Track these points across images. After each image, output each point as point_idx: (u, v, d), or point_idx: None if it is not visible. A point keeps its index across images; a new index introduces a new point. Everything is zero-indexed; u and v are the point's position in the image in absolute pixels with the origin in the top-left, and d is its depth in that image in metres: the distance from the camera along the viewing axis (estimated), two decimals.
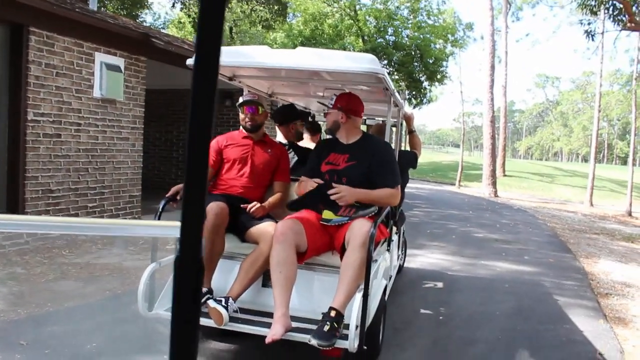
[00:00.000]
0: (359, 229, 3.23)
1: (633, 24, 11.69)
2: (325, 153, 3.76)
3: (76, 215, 7.13)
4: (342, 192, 3.42)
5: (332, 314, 3.05)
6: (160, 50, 8.27)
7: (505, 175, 30.12)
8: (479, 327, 4.82)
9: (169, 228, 0.88)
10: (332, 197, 3.41)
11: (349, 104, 3.70)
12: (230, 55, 3.69)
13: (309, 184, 3.57)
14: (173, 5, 18.29)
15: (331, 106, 3.71)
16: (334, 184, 3.47)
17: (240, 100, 3.95)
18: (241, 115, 3.94)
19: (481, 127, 29.48)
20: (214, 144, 3.96)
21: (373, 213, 3.56)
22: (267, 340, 2.99)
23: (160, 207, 3.52)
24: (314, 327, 3.05)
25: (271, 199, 3.84)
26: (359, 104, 3.77)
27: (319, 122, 6.04)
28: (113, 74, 7.56)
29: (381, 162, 3.63)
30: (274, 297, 3.18)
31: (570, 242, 10.40)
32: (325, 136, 4.23)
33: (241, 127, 4.00)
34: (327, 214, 3.49)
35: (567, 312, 5.49)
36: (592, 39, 12.38)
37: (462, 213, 14.25)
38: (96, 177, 7.50)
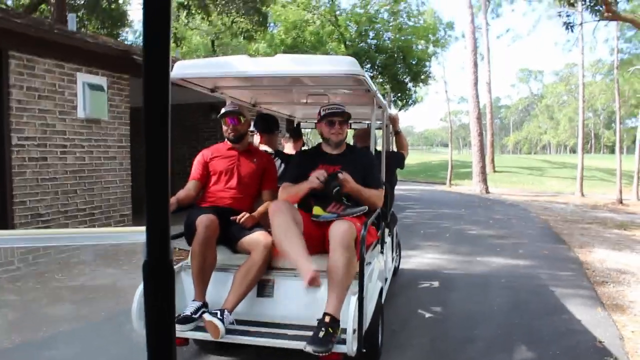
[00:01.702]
0: (337, 229, 3.22)
1: (610, 14, 11.79)
2: (312, 163, 3.71)
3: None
4: (347, 178, 3.46)
5: (327, 319, 3.02)
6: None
7: (495, 172, 30.26)
8: (477, 325, 4.80)
9: (135, 234, 0.86)
10: (339, 175, 3.42)
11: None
12: (210, 67, 3.68)
13: (317, 175, 3.50)
14: None
15: (346, 118, 3.78)
16: (340, 173, 3.47)
17: (222, 111, 3.94)
18: (224, 127, 3.93)
19: (468, 125, 29.59)
20: (199, 157, 3.95)
21: (362, 212, 3.56)
22: (307, 281, 2.97)
23: None
24: (311, 333, 3.03)
25: (260, 208, 3.82)
26: None
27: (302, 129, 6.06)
28: (96, 94, 7.52)
29: (369, 169, 3.79)
30: (295, 260, 3.16)
31: (564, 233, 10.43)
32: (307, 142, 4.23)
33: (226, 139, 3.99)
34: (317, 210, 3.52)
35: (564, 303, 5.49)
36: (572, 31, 12.47)
37: (455, 211, 14.27)
38: (85, 199, 7.45)
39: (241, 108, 4.01)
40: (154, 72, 0.70)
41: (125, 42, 18.67)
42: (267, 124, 4.72)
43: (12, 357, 3.93)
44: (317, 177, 3.46)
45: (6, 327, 4.56)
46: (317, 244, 3.51)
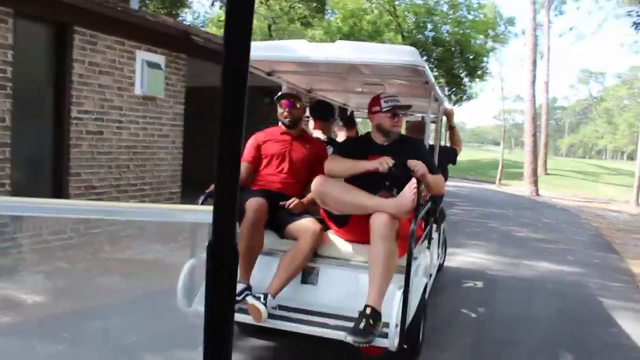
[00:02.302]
0: (378, 220, 3.16)
1: None
2: (364, 152, 3.62)
3: None
4: (419, 164, 3.35)
5: (368, 311, 2.99)
6: (200, 47, 8.33)
7: (547, 174, 29.51)
8: (521, 329, 4.70)
9: (202, 213, 0.85)
10: (410, 165, 3.33)
11: None
12: (269, 50, 3.67)
13: (385, 161, 3.33)
14: (212, 4, 18.50)
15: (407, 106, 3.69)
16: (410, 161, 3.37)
17: (279, 94, 3.92)
18: (279, 110, 3.90)
19: (521, 124, 28.95)
20: (252, 140, 3.94)
21: None
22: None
23: (200, 202, 3.53)
24: (352, 324, 3.00)
25: (310, 195, 3.79)
26: None
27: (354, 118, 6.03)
28: (154, 72, 7.65)
29: (421, 158, 3.57)
30: (373, 206, 3.23)
31: (616, 242, 10.09)
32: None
33: (280, 123, 3.97)
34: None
35: (613, 315, 5.32)
36: None
37: (503, 212, 13.99)
38: (137, 174, 7.61)
39: (298, 93, 3.99)
40: (233, 59, 0.70)
41: (184, 23, 18.96)
42: (324, 111, 4.69)
43: (63, 323, 4.06)
44: (383, 162, 3.32)
45: (57, 293, 4.71)
46: (363, 233, 3.45)
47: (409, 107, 3.69)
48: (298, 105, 3.87)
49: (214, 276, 0.69)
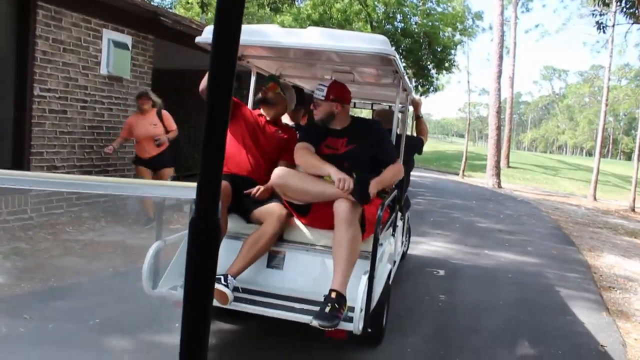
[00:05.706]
0: (341, 206, 3.21)
1: None
2: (322, 136, 3.68)
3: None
4: (372, 190, 3.31)
5: (333, 295, 3.04)
6: (168, 29, 8.20)
7: (509, 167, 30.05)
8: (482, 316, 4.81)
9: (185, 189, 0.85)
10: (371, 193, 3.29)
11: (341, 93, 3.64)
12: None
13: (347, 183, 3.21)
14: None
15: (323, 98, 3.58)
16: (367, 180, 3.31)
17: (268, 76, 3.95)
18: (264, 89, 3.90)
19: (486, 117, 29.37)
20: (235, 101, 3.79)
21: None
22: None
23: None
24: (317, 308, 3.04)
25: None
26: (348, 92, 3.74)
27: None
28: (120, 52, 7.51)
29: (380, 143, 3.69)
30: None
31: (574, 235, 10.37)
32: None
33: (259, 104, 3.95)
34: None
35: (569, 304, 5.48)
36: (604, 31, 12.25)
37: (466, 203, 14.22)
38: (101, 155, 7.48)
39: (286, 87, 4.01)
40: (222, 46, 0.70)
41: (152, 3, 18.60)
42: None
43: (21, 303, 3.98)
44: (345, 184, 3.19)
45: (16, 274, 4.62)
46: (326, 220, 3.48)
47: (323, 95, 3.60)
48: (277, 92, 3.90)
49: (195, 255, 0.69)
